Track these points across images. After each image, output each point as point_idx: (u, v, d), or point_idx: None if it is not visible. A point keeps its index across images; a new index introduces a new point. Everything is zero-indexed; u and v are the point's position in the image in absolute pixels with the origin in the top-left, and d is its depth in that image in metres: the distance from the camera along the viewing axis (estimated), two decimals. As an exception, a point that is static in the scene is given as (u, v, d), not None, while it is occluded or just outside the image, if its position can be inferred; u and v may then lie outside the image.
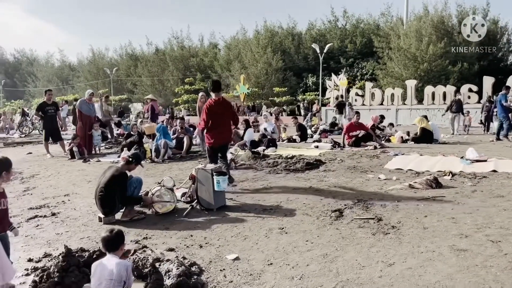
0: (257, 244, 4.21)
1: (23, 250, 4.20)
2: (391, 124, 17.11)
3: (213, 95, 6.88)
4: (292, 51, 42.97)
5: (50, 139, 11.69)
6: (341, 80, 28.98)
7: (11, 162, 3.47)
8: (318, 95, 33.19)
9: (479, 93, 23.45)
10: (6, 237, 3.48)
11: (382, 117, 15.89)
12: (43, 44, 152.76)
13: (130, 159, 5.30)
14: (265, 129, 13.09)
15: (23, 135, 19.56)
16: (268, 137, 12.34)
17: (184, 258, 3.78)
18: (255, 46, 41.89)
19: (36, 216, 5.44)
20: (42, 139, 12.10)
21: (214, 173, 5.54)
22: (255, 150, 10.68)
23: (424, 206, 5.35)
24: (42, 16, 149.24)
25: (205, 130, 6.93)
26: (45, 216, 5.46)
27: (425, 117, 13.89)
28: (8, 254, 3.32)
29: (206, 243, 4.27)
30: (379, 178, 7.31)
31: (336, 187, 6.65)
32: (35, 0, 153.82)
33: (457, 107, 16.53)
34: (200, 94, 11.13)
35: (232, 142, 10.76)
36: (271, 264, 3.68)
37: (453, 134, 16.02)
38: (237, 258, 3.82)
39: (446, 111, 17.29)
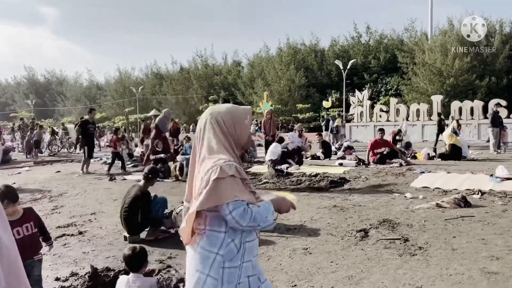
0: (280, 264, 4.17)
1: (50, 268, 4.28)
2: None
3: None
4: (315, 68, 43.08)
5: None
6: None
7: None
8: (342, 111, 33.02)
9: (509, 107, 22.86)
10: (34, 265, 3.21)
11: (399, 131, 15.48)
12: (72, 64, 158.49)
13: (149, 176, 5.35)
14: (292, 149, 12.80)
15: (52, 154, 20.10)
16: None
17: (207, 278, 3.78)
18: (278, 63, 42.25)
19: (63, 235, 5.55)
20: (84, 155, 12.04)
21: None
22: (278, 168, 10.66)
23: (453, 226, 5.20)
24: (70, 37, 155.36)
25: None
26: (72, 234, 5.57)
27: (455, 132, 13.58)
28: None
29: (229, 263, 4.25)
30: (405, 196, 7.17)
31: (361, 206, 6.55)
32: (63, 22, 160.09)
33: (499, 121, 14.99)
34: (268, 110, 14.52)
35: None
36: (295, 285, 3.64)
37: (496, 152, 14.57)
38: (260, 279, 3.79)
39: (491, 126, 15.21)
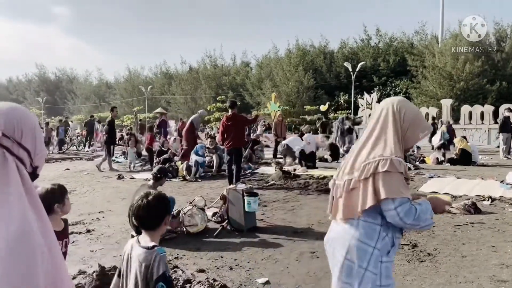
0: (287, 268, 4.16)
1: (59, 266, 4.30)
2: None
3: (229, 111, 8.62)
4: (324, 70, 42.93)
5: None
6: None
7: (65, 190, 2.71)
8: (350, 113, 32.88)
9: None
10: None
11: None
12: (83, 63, 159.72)
13: (158, 175, 5.37)
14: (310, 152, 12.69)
15: (61, 151, 20.24)
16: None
17: (214, 280, 3.78)
18: (286, 65, 42.14)
19: (72, 233, 5.56)
20: (109, 154, 12.25)
21: (245, 194, 5.55)
22: (286, 169, 10.64)
23: (462, 232, 5.15)
24: (81, 36, 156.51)
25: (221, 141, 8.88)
26: (80, 232, 5.60)
27: (464, 137, 13.46)
28: None
29: (236, 265, 4.25)
30: (413, 201, 7.10)
31: (369, 210, 6.50)
32: (75, 21, 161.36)
33: (510, 127, 14.67)
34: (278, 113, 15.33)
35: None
36: (302, 289, 3.61)
37: (507, 158, 14.36)
38: (267, 282, 3.79)
39: (500, 132, 14.93)
